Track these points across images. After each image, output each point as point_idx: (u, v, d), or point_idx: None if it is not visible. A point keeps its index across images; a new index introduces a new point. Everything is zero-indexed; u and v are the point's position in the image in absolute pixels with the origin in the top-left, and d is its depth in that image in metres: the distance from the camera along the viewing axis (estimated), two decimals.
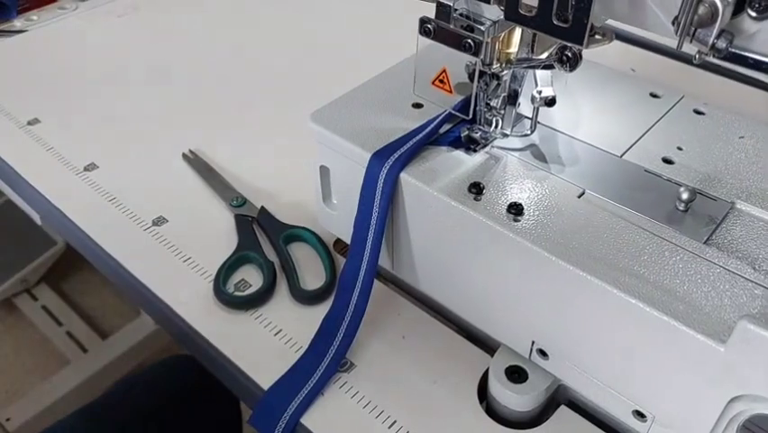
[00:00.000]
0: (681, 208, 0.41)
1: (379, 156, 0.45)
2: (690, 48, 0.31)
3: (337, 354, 0.47)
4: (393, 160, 0.44)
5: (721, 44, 0.28)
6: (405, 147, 0.45)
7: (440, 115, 0.47)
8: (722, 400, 0.35)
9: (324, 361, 0.47)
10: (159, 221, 0.59)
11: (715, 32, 0.27)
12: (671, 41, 0.30)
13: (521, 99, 0.46)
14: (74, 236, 0.59)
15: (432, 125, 0.46)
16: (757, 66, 0.29)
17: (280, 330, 0.50)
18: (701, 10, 0.26)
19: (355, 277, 0.47)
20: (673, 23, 0.28)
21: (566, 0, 0.29)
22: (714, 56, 0.29)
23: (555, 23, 0.31)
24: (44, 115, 0.71)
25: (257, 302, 0.52)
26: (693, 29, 0.28)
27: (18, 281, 1.33)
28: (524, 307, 0.42)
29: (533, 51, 0.39)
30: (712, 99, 0.52)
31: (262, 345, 0.49)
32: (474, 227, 0.41)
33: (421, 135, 0.45)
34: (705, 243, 0.39)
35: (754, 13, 0.28)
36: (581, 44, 0.31)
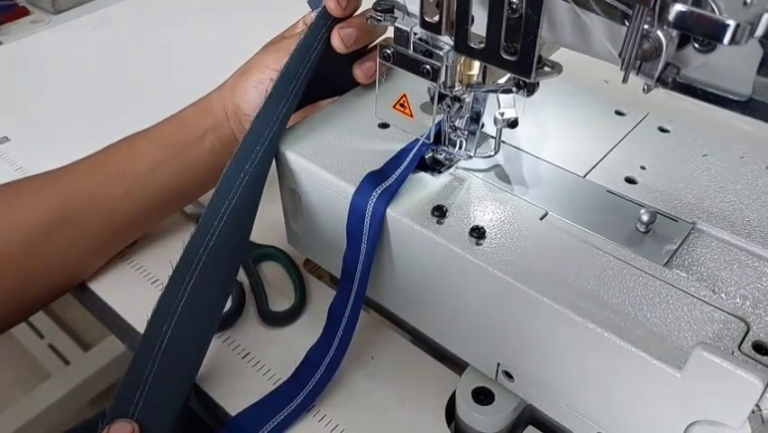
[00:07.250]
0: (641, 230, 0.41)
1: (362, 192, 0.43)
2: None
3: (318, 385, 0.46)
4: (378, 193, 0.43)
5: (667, 77, 0.28)
6: (389, 180, 0.44)
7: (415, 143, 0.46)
8: (681, 425, 0.35)
9: (303, 391, 0.46)
10: None
11: (660, 65, 0.27)
12: None
13: (485, 120, 0.46)
14: None
15: (411, 159, 0.45)
16: (705, 96, 0.29)
17: (248, 353, 0.50)
18: (646, 45, 0.26)
19: (343, 311, 0.47)
20: (620, 56, 0.28)
21: (513, 33, 0.29)
22: (660, 88, 0.29)
23: (503, 55, 0.31)
24: (14, 134, 0.71)
25: (225, 324, 0.52)
26: (639, 63, 0.28)
27: None
28: (487, 329, 0.42)
29: (484, 80, 0.39)
30: (686, 111, 0.51)
31: (230, 368, 0.49)
32: (437, 251, 0.41)
33: (404, 169, 0.44)
34: (665, 265, 0.39)
35: (698, 46, 0.28)
36: (529, 77, 0.31)
